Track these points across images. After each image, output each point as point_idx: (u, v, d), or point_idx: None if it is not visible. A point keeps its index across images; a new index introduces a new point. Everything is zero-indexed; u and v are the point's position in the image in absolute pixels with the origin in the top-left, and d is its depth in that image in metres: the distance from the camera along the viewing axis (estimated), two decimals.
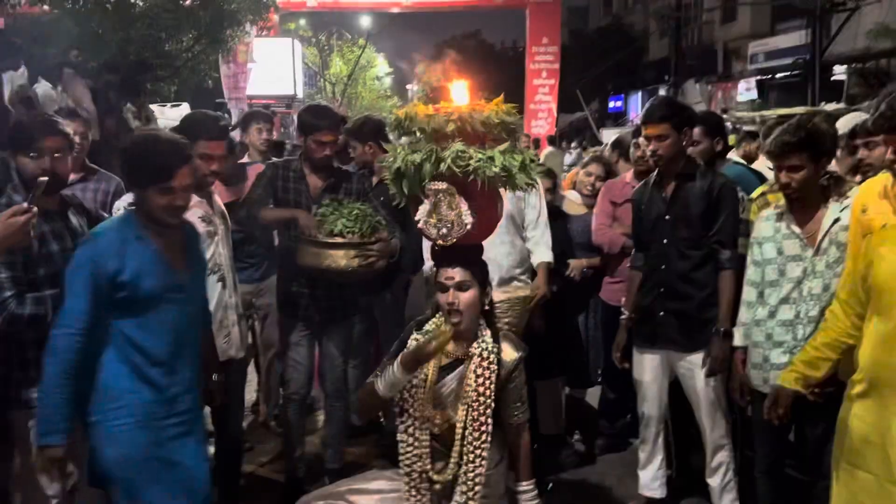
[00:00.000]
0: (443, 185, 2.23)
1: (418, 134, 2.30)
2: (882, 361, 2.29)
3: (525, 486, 2.49)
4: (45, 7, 9.27)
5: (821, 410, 2.72)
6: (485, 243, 3.49)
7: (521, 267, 3.73)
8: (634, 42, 27.26)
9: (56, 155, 2.58)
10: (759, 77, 19.08)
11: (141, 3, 9.52)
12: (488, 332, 2.45)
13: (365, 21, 25.82)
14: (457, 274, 2.36)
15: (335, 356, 3.72)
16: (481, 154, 2.20)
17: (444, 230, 2.27)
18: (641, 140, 3.75)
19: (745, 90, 19.54)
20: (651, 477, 3.58)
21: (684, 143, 3.31)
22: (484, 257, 3.53)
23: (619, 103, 29.27)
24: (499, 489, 2.56)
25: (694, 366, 3.30)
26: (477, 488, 2.36)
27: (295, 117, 15.12)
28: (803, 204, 2.95)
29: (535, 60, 18.58)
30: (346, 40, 27.30)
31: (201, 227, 3.09)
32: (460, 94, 2.35)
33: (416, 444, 2.44)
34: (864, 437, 2.34)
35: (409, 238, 3.73)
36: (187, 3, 9.62)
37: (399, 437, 2.49)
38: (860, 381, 2.40)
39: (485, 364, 2.38)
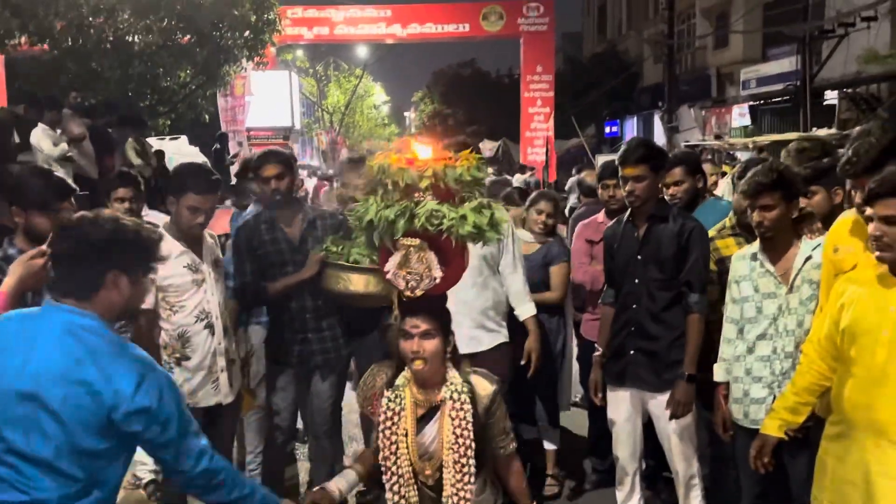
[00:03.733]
0: (416, 242, 2.30)
1: (390, 186, 2.35)
2: (858, 404, 2.35)
3: None
4: (45, 46, 9.46)
5: (800, 445, 2.79)
6: (457, 286, 3.57)
7: (494, 310, 3.71)
8: (629, 68, 27.50)
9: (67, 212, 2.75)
10: (751, 103, 19.26)
11: (139, 42, 9.69)
12: (456, 374, 2.47)
13: (361, 51, 26.11)
14: (422, 322, 2.40)
15: (325, 397, 3.71)
16: (454, 213, 2.26)
17: (413, 282, 2.33)
18: (613, 181, 3.84)
19: (739, 115, 19.73)
20: None
21: (659, 185, 3.39)
22: (454, 299, 3.59)
23: (615, 128, 29.45)
24: None
25: (663, 405, 3.35)
26: None
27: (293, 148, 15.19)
28: (776, 242, 3.05)
29: (529, 89, 18.78)
30: (342, 70, 27.60)
31: (188, 276, 3.20)
32: (426, 149, 2.41)
33: (404, 501, 2.46)
34: (844, 478, 2.41)
35: None
36: (184, 40, 9.80)
37: (387, 495, 2.49)
38: (837, 423, 2.47)
39: (457, 406, 2.40)
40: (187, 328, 3.23)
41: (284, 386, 3.66)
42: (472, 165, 2.34)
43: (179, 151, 8.95)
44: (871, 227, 2.35)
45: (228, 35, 10.28)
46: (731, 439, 3.22)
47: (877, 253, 2.36)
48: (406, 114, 35.84)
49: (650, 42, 26.66)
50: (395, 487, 2.46)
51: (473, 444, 2.39)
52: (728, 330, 3.20)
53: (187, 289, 3.22)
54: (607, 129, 29.54)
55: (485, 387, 2.48)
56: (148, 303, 3.16)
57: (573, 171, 18.67)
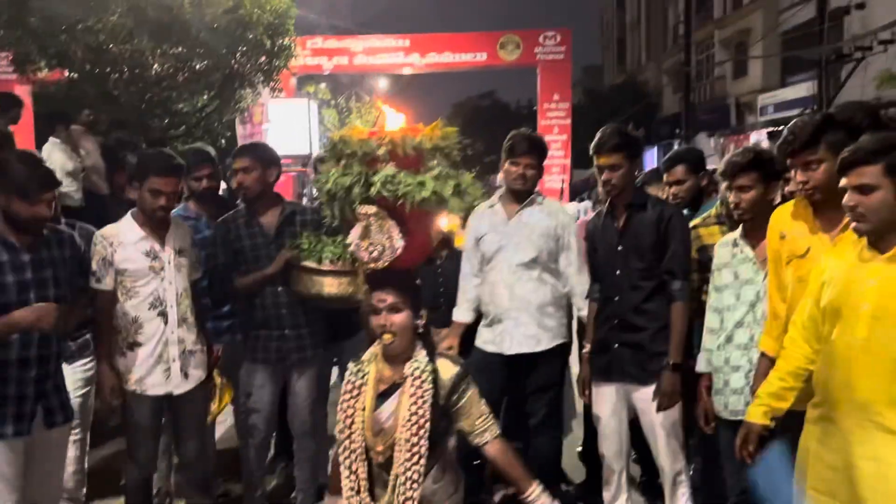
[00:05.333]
0: (372, 209, 2.29)
1: (350, 156, 2.35)
2: (839, 383, 2.27)
3: (532, 492, 2.39)
4: (64, 70, 9.69)
5: (778, 436, 2.68)
6: (512, 281, 3.56)
7: (553, 305, 3.64)
8: (648, 98, 27.57)
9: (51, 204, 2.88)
10: (770, 129, 19.16)
11: (155, 67, 9.89)
12: (423, 353, 2.45)
13: (382, 83, 26.44)
14: (389, 296, 2.39)
15: (305, 396, 3.69)
16: (411, 179, 2.26)
17: (376, 253, 2.33)
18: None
19: (758, 142, 19.62)
20: None
21: (636, 173, 3.37)
22: (510, 294, 3.57)
23: None
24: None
25: (649, 398, 3.30)
26: None
27: (310, 175, 15.39)
28: (756, 227, 3.00)
29: (546, 117, 18.86)
30: (364, 102, 27.94)
31: (144, 263, 3.25)
32: (394, 119, 2.43)
33: (353, 476, 2.43)
34: (827, 462, 2.32)
35: None
36: (199, 66, 9.97)
37: (340, 470, 2.47)
38: (818, 405, 2.39)
39: (417, 384, 2.37)
40: (140, 314, 3.27)
41: (262, 384, 3.64)
42: (436, 135, 2.33)
43: None
44: (845, 198, 2.32)
45: (243, 60, 10.45)
46: (714, 432, 3.15)
47: (853, 224, 2.31)
48: None
49: (669, 72, 26.72)
50: (347, 462, 2.43)
51: (428, 426, 2.34)
52: (710, 319, 3.15)
53: (144, 275, 3.27)
54: None
55: (448, 368, 2.44)
56: (108, 284, 3.24)
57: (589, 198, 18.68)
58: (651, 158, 28.16)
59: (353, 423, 2.42)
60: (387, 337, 2.39)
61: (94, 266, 3.26)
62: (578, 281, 3.63)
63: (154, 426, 3.41)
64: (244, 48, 10.24)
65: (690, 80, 18.84)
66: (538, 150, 3.67)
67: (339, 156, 2.37)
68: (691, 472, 3.55)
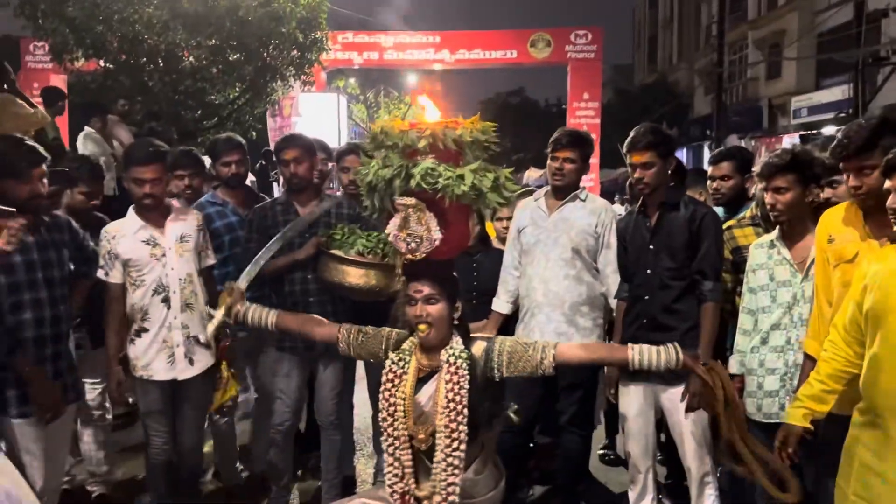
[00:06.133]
0: (411, 201, 2.29)
1: (391, 149, 2.36)
2: (887, 390, 2.23)
3: (633, 356, 2.38)
4: (100, 61, 9.83)
5: (815, 443, 2.64)
6: (547, 276, 3.55)
7: (587, 305, 3.60)
8: (678, 99, 27.31)
9: (43, 180, 2.92)
10: (802, 132, 18.91)
11: (188, 58, 9.99)
12: (459, 340, 2.45)
13: (411, 78, 26.49)
14: (425, 287, 2.40)
15: (331, 387, 3.72)
16: (451, 172, 2.26)
17: (413, 244, 2.33)
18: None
19: (790, 145, 19.36)
20: None
21: (669, 172, 3.33)
22: (544, 290, 3.55)
23: None
24: (494, 496, 2.54)
25: (676, 399, 3.24)
26: (452, 498, 2.34)
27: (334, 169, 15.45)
28: (793, 229, 2.97)
29: (575, 115, 18.75)
30: (392, 97, 28.03)
31: (145, 250, 3.32)
32: (433, 112, 2.42)
33: (397, 463, 2.45)
34: (872, 469, 2.28)
35: None
36: (232, 58, 10.06)
37: (384, 458, 2.50)
38: (865, 410, 2.35)
39: (453, 370, 2.37)
40: (145, 301, 3.34)
41: (289, 372, 3.68)
42: (476, 128, 2.32)
43: None
44: (889, 200, 2.29)
45: (276, 53, 10.52)
46: None
47: None
48: None
49: (701, 73, 26.46)
50: (391, 450, 2.46)
51: (466, 411, 2.35)
52: (744, 320, 3.11)
53: (146, 263, 3.34)
54: None
55: (479, 347, 2.46)
56: (115, 277, 3.33)
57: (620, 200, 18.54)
58: (681, 159, 27.94)
59: (395, 410, 2.44)
60: (422, 327, 2.40)
61: (101, 261, 3.36)
62: (615, 280, 3.59)
63: (165, 411, 3.45)
64: (276, 42, 10.32)
65: (723, 80, 18.62)
66: (579, 144, 3.63)
67: (379, 147, 2.37)
68: (719, 475, 3.52)
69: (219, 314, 2.76)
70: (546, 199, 3.71)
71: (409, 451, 2.44)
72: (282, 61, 10.78)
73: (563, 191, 3.65)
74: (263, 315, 2.74)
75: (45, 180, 2.94)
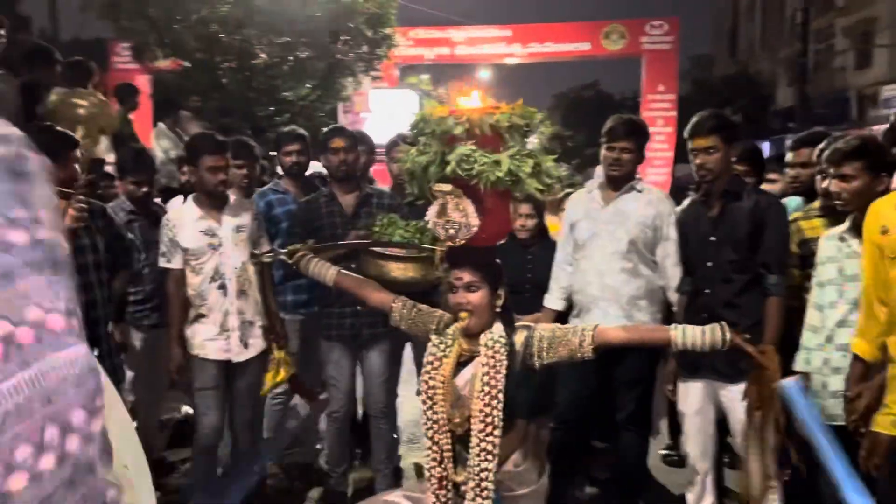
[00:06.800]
0: (447, 187, 2.28)
1: (430, 135, 2.34)
2: None
3: (675, 337, 2.39)
4: (179, 61, 10.18)
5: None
6: (603, 269, 3.49)
7: (646, 299, 3.47)
8: (760, 89, 26.38)
9: (76, 165, 3.00)
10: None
11: (263, 56, 10.24)
12: (500, 326, 2.40)
13: (484, 73, 26.43)
14: (466, 275, 2.37)
15: (378, 373, 3.75)
16: (487, 158, 2.23)
17: (452, 231, 2.31)
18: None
19: (879, 136, 18.45)
20: None
21: (732, 159, 3.20)
22: (600, 283, 3.49)
23: None
24: (536, 490, 2.49)
25: (737, 397, 3.12)
26: (485, 484, 2.29)
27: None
28: (862, 220, 2.80)
29: (650, 108, 18.37)
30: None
31: (204, 241, 3.45)
32: (474, 98, 2.40)
33: (436, 447, 2.43)
34: None
35: None
36: (303, 55, 10.25)
37: (424, 442, 2.49)
38: None
39: (490, 353, 2.33)
40: (203, 288, 3.47)
41: (338, 360, 3.75)
42: (513, 113, 2.29)
43: None
44: None
45: (346, 49, 10.67)
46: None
47: None
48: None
49: (784, 63, 25.51)
50: (430, 433, 2.44)
51: (501, 396, 2.30)
52: (812, 316, 2.96)
53: (204, 252, 3.47)
54: None
55: (520, 336, 2.42)
56: (176, 263, 3.48)
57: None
58: (759, 149, 26.98)
59: (434, 394, 2.42)
60: (463, 315, 2.37)
61: (162, 248, 3.53)
62: (674, 274, 3.46)
63: (217, 392, 3.54)
64: (346, 38, 10.46)
65: (807, 70, 17.89)
66: (636, 134, 3.52)
67: (420, 134, 2.37)
68: (786, 478, 3.37)
69: (284, 256, 2.86)
70: (601, 192, 3.60)
71: (448, 435, 2.42)
72: (352, 57, 10.92)
73: (620, 182, 3.53)
74: (324, 270, 2.79)
75: (77, 166, 3.02)
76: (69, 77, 4.94)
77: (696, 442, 3.34)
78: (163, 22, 9.38)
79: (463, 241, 2.31)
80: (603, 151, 3.53)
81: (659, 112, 18.37)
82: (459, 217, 2.29)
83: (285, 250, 2.87)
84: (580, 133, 29.58)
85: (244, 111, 9.95)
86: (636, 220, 3.47)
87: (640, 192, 3.54)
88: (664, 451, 4.58)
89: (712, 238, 3.21)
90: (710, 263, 3.21)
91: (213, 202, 3.50)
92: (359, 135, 4.14)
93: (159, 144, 6.74)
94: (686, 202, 3.51)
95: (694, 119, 3.23)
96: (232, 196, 3.64)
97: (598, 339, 2.34)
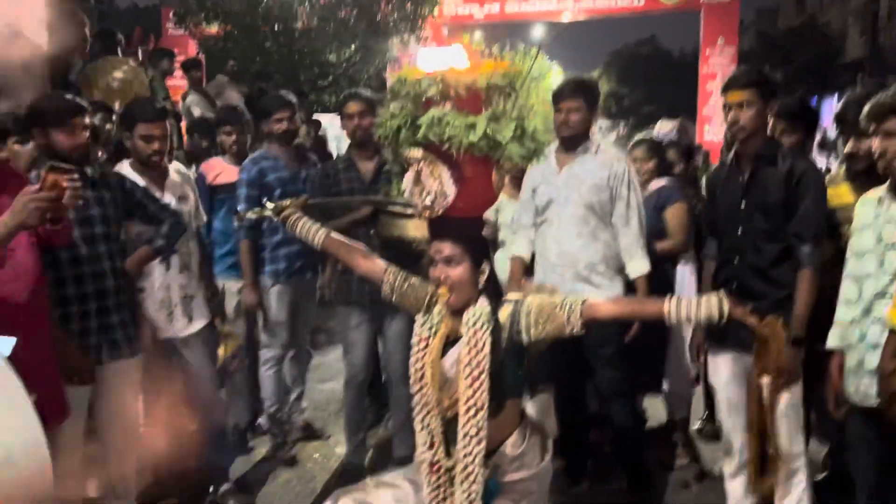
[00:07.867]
0: (419, 153, 2.13)
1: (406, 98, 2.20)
2: None
3: (669, 309, 2.15)
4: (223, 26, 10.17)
5: None
6: (560, 236, 3.37)
7: (603, 264, 3.45)
8: (829, 42, 25.10)
9: (84, 132, 2.90)
10: None
11: (304, 19, 10.15)
12: (484, 301, 2.26)
13: (537, 31, 25.86)
14: (446, 248, 2.22)
15: (397, 339, 3.68)
16: (460, 121, 2.07)
17: (428, 200, 2.18)
18: None
19: None
20: (741, 494, 3.23)
21: (769, 118, 2.96)
22: (557, 250, 3.39)
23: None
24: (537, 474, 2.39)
25: None
26: (472, 468, 2.19)
27: None
28: None
29: (708, 63, 17.71)
30: (517, 51, 27.49)
31: None
32: (459, 57, 2.24)
33: (427, 431, 2.33)
34: None
35: None
36: (344, 16, 10.11)
37: (415, 426, 2.38)
38: None
39: (472, 333, 2.20)
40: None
41: (358, 324, 3.71)
42: (497, 73, 2.12)
43: (333, 123, 9.28)
44: None
45: (388, 9, 10.50)
46: (843, 418, 2.78)
47: None
48: None
49: (855, 13, 24.19)
50: (420, 417, 2.34)
51: (485, 377, 2.18)
52: (847, 289, 2.73)
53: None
54: None
55: (504, 311, 2.26)
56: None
57: None
58: (829, 108, 25.76)
59: (423, 376, 2.31)
60: (442, 290, 2.23)
61: None
62: (625, 235, 3.40)
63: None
64: None
65: (879, 18, 16.91)
66: (583, 92, 3.42)
67: (395, 97, 2.23)
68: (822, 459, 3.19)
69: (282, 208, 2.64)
70: (556, 155, 3.50)
71: (439, 418, 2.31)
72: (396, 17, 10.74)
73: (572, 143, 3.44)
74: (313, 231, 2.55)
75: (86, 132, 2.94)
76: (97, 46, 4.95)
77: (729, 414, 3.19)
78: None
79: (440, 212, 2.17)
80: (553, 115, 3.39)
81: (718, 66, 17.67)
82: (435, 185, 2.15)
83: (271, 206, 2.65)
84: (637, 91, 28.78)
85: (287, 75, 9.91)
86: (591, 183, 3.41)
87: (594, 154, 3.45)
88: (699, 425, 4.43)
89: (743, 204, 3.01)
90: (739, 230, 3.02)
91: (152, 172, 3.39)
92: (377, 99, 4.04)
93: (193, 111, 6.76)
94: (718, 164, 3.32)
95: (730, 74, 3.04)
96: (171, 168, 3.54)
97: (587, 313, 2.20)
